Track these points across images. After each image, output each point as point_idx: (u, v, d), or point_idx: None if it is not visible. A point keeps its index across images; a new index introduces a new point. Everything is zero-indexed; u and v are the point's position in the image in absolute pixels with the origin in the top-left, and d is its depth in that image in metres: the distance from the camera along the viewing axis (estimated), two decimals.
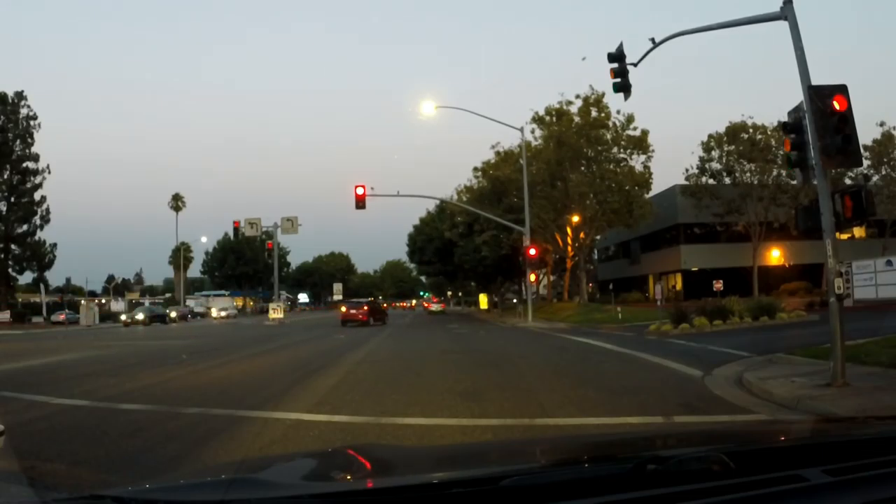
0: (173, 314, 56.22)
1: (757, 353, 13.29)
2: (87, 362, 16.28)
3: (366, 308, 36.55)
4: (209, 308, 73.37)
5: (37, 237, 54.50)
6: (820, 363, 10.67)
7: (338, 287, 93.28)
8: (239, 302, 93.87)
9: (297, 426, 7.16)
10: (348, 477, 1.89)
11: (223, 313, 68.05)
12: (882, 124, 43.03)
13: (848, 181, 35.90)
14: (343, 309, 38.00)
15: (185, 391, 10.28)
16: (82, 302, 62.42)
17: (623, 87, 13.73)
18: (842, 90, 8.68)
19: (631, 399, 8.71)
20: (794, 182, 40.61)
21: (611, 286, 53.51)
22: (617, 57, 13.57)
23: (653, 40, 12.79)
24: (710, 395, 9.10)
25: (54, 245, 55.92)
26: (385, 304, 63.76)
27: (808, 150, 8.94)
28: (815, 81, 9.12)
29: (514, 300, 62.27)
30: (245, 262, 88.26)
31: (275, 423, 7.34)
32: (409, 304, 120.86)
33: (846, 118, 8.54)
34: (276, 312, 45.49)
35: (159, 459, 5.72)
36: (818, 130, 8.61)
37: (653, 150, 42.34)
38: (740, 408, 8.05)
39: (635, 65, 13.56)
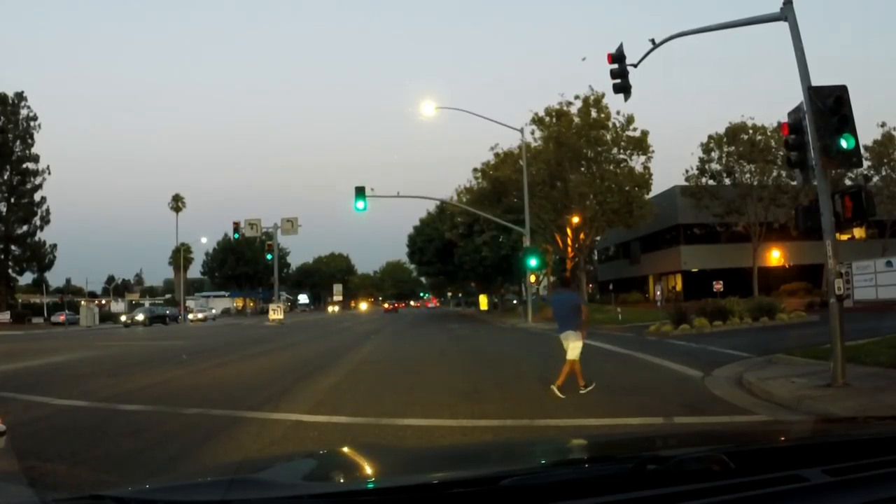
0: (139, 317, 50.71)
1: (757, 353, 13.27)
2: (86, 363, 16.28)
3: (397, 306, 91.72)
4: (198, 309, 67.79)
5: (37, 238, 54.58)
6: (820, 364, 10.65)
7: (338, 288, 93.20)
8: (239, 302, 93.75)
9: (297, 427, 7.15)
10: (348, 477, 1.89)
11: (200, 315, 63.54)
12: (883, 125, 43.05)
13: (848, 182, 35.91)
14: (386, 306, 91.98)
15: (184, 391, 10.28)
16: (82, 303, 62.37)
17: (623, 88, 13.71)
18: (842, 91, 8.69)
19: (631, 400, 8.70)
20: (794, 183, 40.73)
21: (610, 286, 53.47)
22: (617, 58, 13.54)
23: (653, 41, 12.78)
24: (710, 395, 9.10)
25: (54, 246, 56.03)
26: (399, 304, 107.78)
27: (808, 151, 8.94)
28: (815, 82, 9.12)
29: (514, 301, 62.23)
30: (245, 262, 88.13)
31: (274, 424, 7.34)
32: (419, 304, 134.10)
33: (846, 119, 8.55)
34: (275, 313, 45.48)
35: (158, 461, 5.71)
36: (818, 131, 8.62)
37: (653, 151, 42.26)
38: (741, 408, 8.05)
39: (635, 65, 13.53)
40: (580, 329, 9.19)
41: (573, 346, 9.16)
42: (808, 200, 10.27)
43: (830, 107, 8.63)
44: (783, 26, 9.49)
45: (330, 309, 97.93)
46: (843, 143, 8.40)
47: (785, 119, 9.52)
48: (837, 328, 8.63)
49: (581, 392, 8.84)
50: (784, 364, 11.50)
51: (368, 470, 1.96)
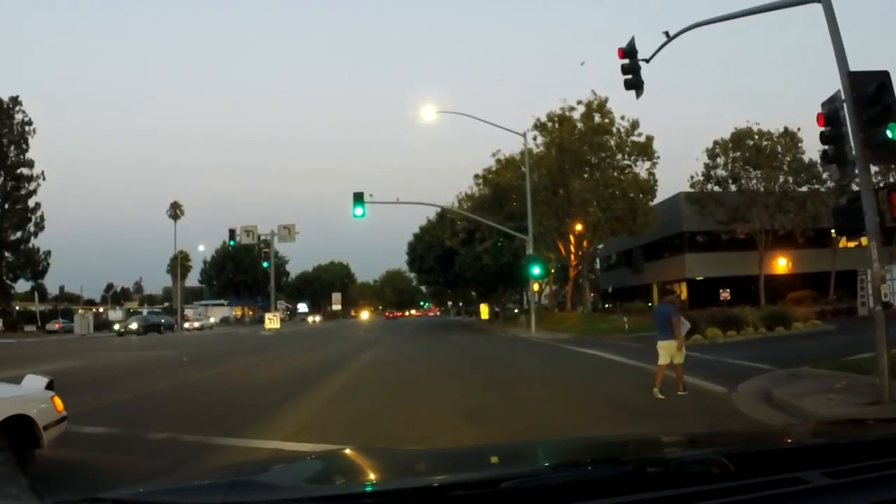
0: (133, 325, 49.01)
1: (778, 365, 12.51)
2: (69, 373, 15.39)
3: (396, 314, 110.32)
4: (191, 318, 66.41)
5: (31, 244, 53.78)
6: (850, 376, 10.06)
7: (337, 296, 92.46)
8: (238, 311, 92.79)
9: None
10: (349, 480, 1.88)
11: (196, 324, 62.38)
12: None
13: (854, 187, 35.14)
14: (387, 314, 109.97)
15: (156, 410, 9.38)
16: (79, 310, 61.50)
17: (635, 85, 12.97)
18: (884, 77, 7.89)
19: (654, 420, 7.83)
20: (801, 189, 40.08)
21: (610, 289, 52.56)
22: (629, 52, 12.82)
23: (667, 34, 12.05)
24: (740, 415, 8.23)
25: (48, 252, 55.11)
26: (399, 313, 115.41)
27: (846, 144, 8.13)
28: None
29: (516, 310, 61.37)
30: (243, 270, 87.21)
31: (249, 453, 6.38)
32: (419, 313, 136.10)
33: (890, 107, 7.73)
34: (272, 322, 44.58)
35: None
36: (859, 121, 7.81)
37: (658, 157, 41.53)
38: None
39: (647, 61, 12.82)
40: (678, 338, 9.89)
41: (677, 354, 9.88)
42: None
43: (872, 94, 7.83)
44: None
45: (310, 319, 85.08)
46: (889, 134, 7.56)
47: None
48: (884, 339, 7.77)
49: (656, 393, 9.46)
50: (812, 378, 10.68)
51: (369, 472, 1.96)
